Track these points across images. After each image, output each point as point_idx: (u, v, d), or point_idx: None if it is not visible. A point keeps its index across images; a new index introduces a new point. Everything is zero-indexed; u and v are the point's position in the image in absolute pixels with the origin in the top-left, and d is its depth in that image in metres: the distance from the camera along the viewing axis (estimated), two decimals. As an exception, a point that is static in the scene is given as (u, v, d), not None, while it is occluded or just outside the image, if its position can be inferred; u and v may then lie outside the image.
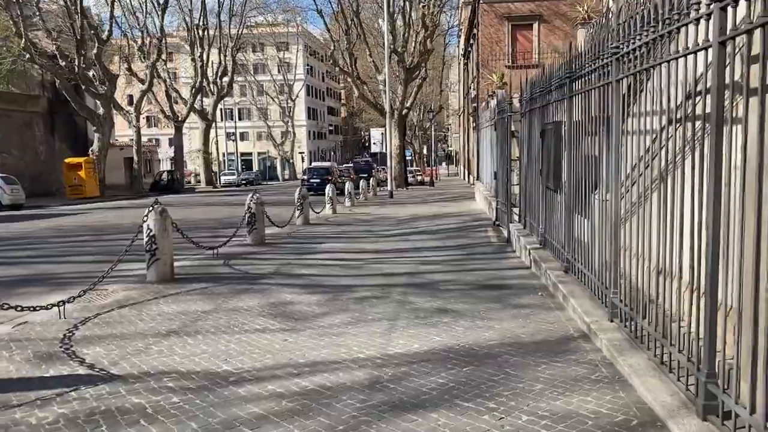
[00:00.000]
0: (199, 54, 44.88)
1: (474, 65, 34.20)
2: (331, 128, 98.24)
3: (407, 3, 36.18)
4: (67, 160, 33.34)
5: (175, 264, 8.45)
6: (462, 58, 48.03)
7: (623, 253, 5.11)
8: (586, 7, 16.17)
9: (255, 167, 74.12)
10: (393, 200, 24.92)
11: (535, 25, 30.21)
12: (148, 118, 71.30)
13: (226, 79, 48.56)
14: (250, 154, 79.42)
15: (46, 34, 32.55)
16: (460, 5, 48.72)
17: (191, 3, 45.80)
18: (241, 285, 7.65)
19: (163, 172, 44.62)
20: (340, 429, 3.48)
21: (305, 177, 33.53)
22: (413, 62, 35.46)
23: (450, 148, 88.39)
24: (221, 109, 58.64)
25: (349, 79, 39.16)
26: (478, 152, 25.25)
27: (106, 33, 34.80)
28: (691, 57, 3.59)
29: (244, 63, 65.30)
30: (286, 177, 69.70)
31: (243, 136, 76.95)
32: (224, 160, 67.04)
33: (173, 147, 47.53)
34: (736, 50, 3.28)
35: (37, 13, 32.25)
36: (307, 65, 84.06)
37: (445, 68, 64.90)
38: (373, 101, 37.98)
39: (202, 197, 33.71)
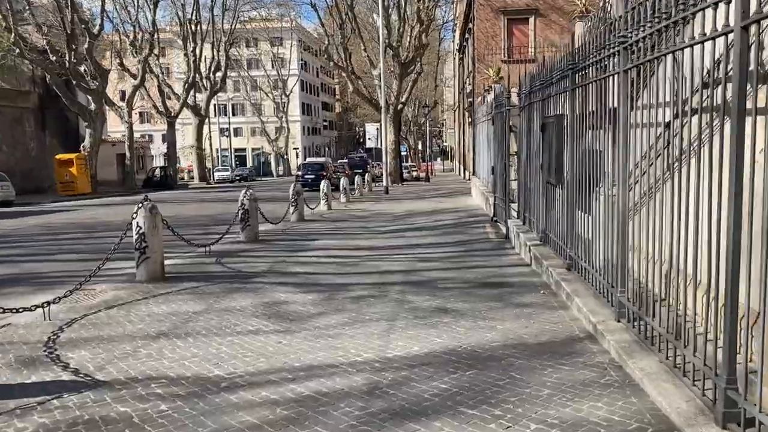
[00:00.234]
0: (191, 49, 44.47)
1: (469, 60, 33.99)
2: (325, 124, 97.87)
3: (402, -3, 35.93)
4: (58, 157, 32.98)
5: (166, 262, 8.22)
6: (457, 53, 47.80)
7: (631, 251, 4.92)
8: (584, 0, 15.95)
9: (249, 163, 73.80)
10: (388, 196, 24.70)
11: (531, 20, 29.99)
12: (140, 114, 70.81)
13: (219, 74, 48.16)
14: (244, 150, 79.04)
15: (37, 29, 32.13)
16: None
17: (184, -3, 45.39)
18: (234, 284, 7.43)
19: (156, 168, 44.28)
20: (337, 439, 3.29)
21: (300, 173, 33.28)
22: (408, 57, 35.20)
23: (445, 144, 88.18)
24: (215, 104, 58.26)
25: (343, 74, 38.90)
26: (474, 147, 25.05)
27: (97, 27, 34.41)
28: (708, 44, 3.39)
29: (237, 58, 64.89)
30: (281, 173, 69.39)
31: (237, 132, 76.53)
32: (218, 156, 66.64)
33: (166, 143, 47.12)
34: (761, 34, 3.08)
35: (27, 8, 31.83)
36: (302, 60, 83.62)
37: (440, 63, 64.57)
38: (368, 96, 37.71)
39: (195, 193, 33.40)
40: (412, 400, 3.76)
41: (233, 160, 67.24)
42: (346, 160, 48.88)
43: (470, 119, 31.90)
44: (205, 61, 47.15)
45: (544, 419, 3.44)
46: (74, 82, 33.39)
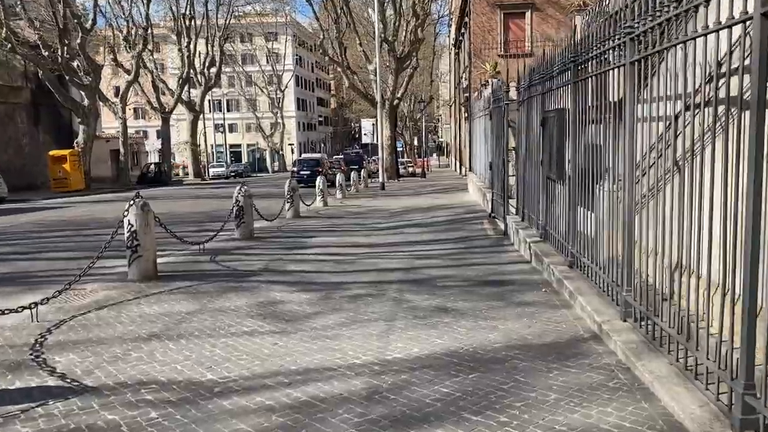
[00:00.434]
0: (186, 44, 44.11)
1: (465, 55, 33.79)
2: (320, 119, 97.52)
3: (398, -9, 35.69)
4: (51, 153, 32.65)
5: (159, 261, 8.04)
6: (453, 48, 47.57)
7: (637, 248, 4.78)
8: (581, -6, 15.78)
9: (244, 159, 73.44)
10: (385, 192, 24.53)
11: (528, 14, 29.80)
12: (135, 110, 70.34)
13: (213, 69, 47.81)
14: (239, 145, 78.68)
15: (29, 24, 31.72)
16: (451, -6, 48.22)
17: (178, -8, 44.98)
18: (229, 283, 7.26)
19: (151, 164, 43.93)
20: (336, 449, 3.13)
21: (295, 169, 33.05)
22: (404, 51, 34.98)
23: (441, 140, 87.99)
24: (209, 100, 57.88)
25: (339, 69, 38.64)
26: (471, 143, 24.88)
27: (90, 22, 33.96)
28: (724, 33, 3.23)
29: (232, 53, 64.47)
30: (276, 169, 69.07)
31: (232, 128, 76.18)
32: (213, 152, 66.30)
33: (160, 139, 46.80)
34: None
35: (19, 2, 31.42)
36: (296, 56, 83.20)
37: (436, 58, 64.35)
38: (364, 91, 37.49)
39: (190, 190, 33.15)
40: (413, 405, 3.61)
41: (228, 156, 66.87)
42: (342, 156, 48.62)
43: (466, 114, 31.73)
44: (200, 56, 46.79)
45: (552, 426, 3.30)
46: (67, 78, 33.03)
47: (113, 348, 4.82)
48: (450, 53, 53.83)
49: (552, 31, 28.05)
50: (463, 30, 36.26)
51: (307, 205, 16.55)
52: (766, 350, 2.94)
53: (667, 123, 4.25)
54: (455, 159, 48.38)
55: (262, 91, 70.28)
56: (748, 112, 2.97)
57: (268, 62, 69.86)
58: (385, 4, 34.69)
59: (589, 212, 6.14)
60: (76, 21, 32.51)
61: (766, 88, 2.88)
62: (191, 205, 20.82)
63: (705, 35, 3.39)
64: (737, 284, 3.11)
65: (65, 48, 31.79)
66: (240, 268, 8.28)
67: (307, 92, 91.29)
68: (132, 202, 7.24)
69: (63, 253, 10.45)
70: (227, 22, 48.78)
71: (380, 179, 27.41)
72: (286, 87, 72.73)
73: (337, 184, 21.53)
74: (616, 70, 5.04)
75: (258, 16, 61.09)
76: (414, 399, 3.70)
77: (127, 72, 39.20)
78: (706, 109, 3.53)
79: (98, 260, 6.95)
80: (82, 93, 34.29)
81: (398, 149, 45.16)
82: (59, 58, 31.84)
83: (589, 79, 5.86)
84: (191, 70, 44.95)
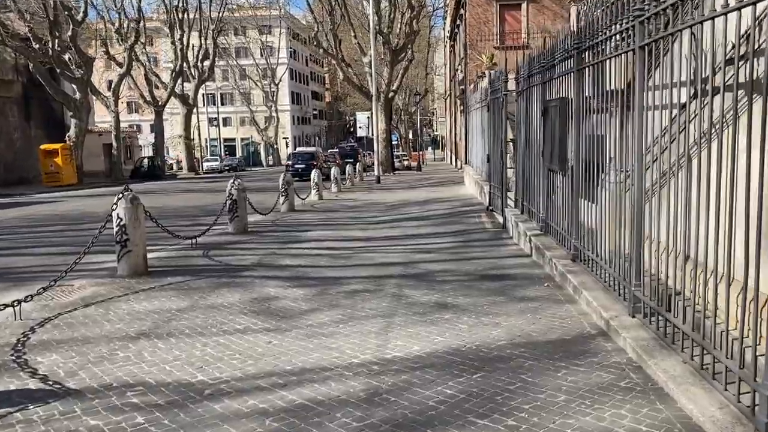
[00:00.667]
0: (179, 37, 43.64)
1: (461, 47, 33.51)
2: (315, 113, 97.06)
3: (393, -18, 35.34)
4: (42, 147, 32.26)
5: (150, 255, 7.82)
6: (448, 41, 47.27)
7: (647, 242, 4.59)
8: (579, -17, 15.56)
9: (239, 153, 73.02)
10: (380, 185, 24.32)
11: (524, 6, 29.53)
12: (128, 104, 69.81)
13: (207, 62, 47.35)
14: (234, 139, 78.22)
15: (18, 16, 31.26)
16: (446, -14, 47.88)
17: (170, -17, 44.49)
18: (221, 278, 7.04)
19: (144, 158, 43.56)
20: (334, 457, 2.93)
21: (290, 162, 32.77)
22: (399, 44, 34.66)
23: (436, 133, 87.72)
24: (203, 94, 57.44)
25: (333, 62, 38.31)
26: (467, 135, 24.68)
27: (81, 14, 33.53)
28: (747, 10, 3.03)
29: (225, 47, 63.96)
30: (271, 163, 68.70)
31: (226, 122, 75.67)
32: (207, 146, 65.85)
33: (154, 133, 46.38)
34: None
35: (8, -6, 30.99)
36: (291, 49, 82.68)
37: (431, 51, 63.97)
38: (359, 84, 37.17)
39: (183, 184, 32.85)
40: (415, 408, 3.41)
41: (222, 150, 66.45)
42: (337, 150, 48.34)
43: (462, 107, 31.48)
44: (193, 49, 46.32)
45: (563, 430, 3.10)
46: (58, 71, 32.60)
47: (99, 347, 4.60)
48: (445, 46, 53.54)
49: (548, 22, 27.81)
50: (458, 22, 35.97)
51: (302, 198, 16.33)
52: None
53: (675, 113, 4.05)
54: (451, 152, 48.17)
55: (257, 84, 69.83)
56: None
57: (262, 55, 69.38)
58: (380, -4, 34.35)
59: (593, 204, 5.95)
60: (66, 13, 32.04)
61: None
62: (185, 199, 20.56)
63: (725, 14, 3.19)
64: (762, 280, 2.92)
65: (56, 41, 31.35)
66: (233, 263, 8.07)
67: (302, 86, 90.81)
68: (121, 195, 7.01)
69: (51, 249, 10.20)
70: (221, 14, 48.32)
71: (376, 172, 27.22)
72: (281, 80, 72.27)
73: (332, 178, 21.29)
74: (623, 56, 4.83)
75: (252, 9, 60.59)
76: (416, 401, 3.50)
77: (120, 65, 38.77)
78: (717, 96, 3.33)
79: (85, 255, 6.73)
80: (74, 86, 33.86)
81: (393, 142, 44.85)
82: (50, 51, 31.41)
83: (595, 66, 5.65)
84: (184, 64, 44.50)
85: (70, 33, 31.93)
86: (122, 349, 4.58)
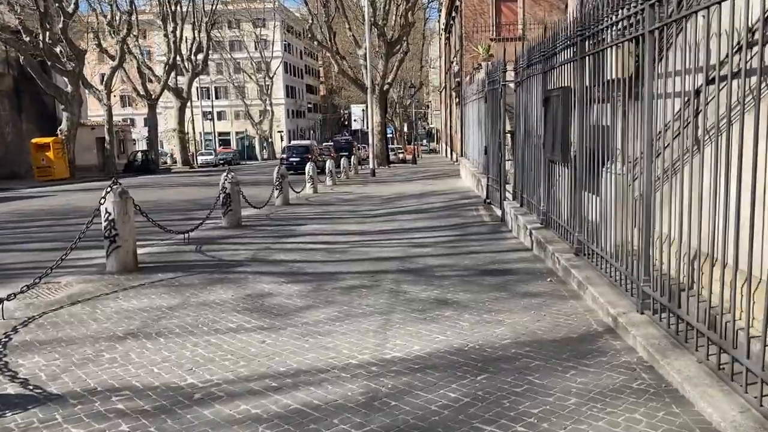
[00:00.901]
0: (171, 29, 43.19)
1: (457, 39, 33.24)
2: (310, 106, 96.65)
3: (387, -26, 34.97)
4: (34, 141, 31.87)
5: (140, 251, 7.60)
6: (443, 33, 46.96)
7: (657, 237, 4.40)
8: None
9: (233, 147, 72.59)
10: (375, 178, 24.10)
11: (520, -3, 29.29)
12: (122, 98, 69.34)
13: (201, 56, 46.90)
14: (228, 133, 77.81)
15: (8, 8, 30.82)
16: (441, -22, 47.53)
17: (162, -25, 43.97)
18: (214, 274, 6.83)
19: (138, 152, 43.16)
20: (332, 467, 2.74)
21: (284, 156, 32.49)
22: (394, 36, 34.36)
23: (431, 126, 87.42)
24: (197, 87, 56.97)
25: (328, 54, 37.98)
26: (463, 128, 24.46)
27: (72, 6, 33.03)
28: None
29: (219, 40, 63.48)
30: (265, 156, 68.33)
31: (220, 116, 75.28)
32: (201, 140, 65.43)
33: (147, 126, 45.94)
34: None
35: (-2, -15, 30.56)
36: (285, 42, 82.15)
37: (425, 44, 63.61)
38: (353, 77, 36.87)
39: (177, 178, 32.53)
40: (418, 413, 3.22)
41: (217, 143, 66.07)
42: (332, 143, 48.05)
43: (457, 100, 31.25)
44: (186, 42, 45.87)
45: (575, 437, 2.92)
46: (49, 64, 32.18)
47: (84, 349, 4.39)
48: (440, 38, 53.21)
49: (544, 14, 27.57)
50: (453, 14, 35.68)
51: (296, 192, 16.11)
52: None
53: (687, 101, 3.85)
54: (446, 145, 47.97)
55: (251, 78, 69.38)
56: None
57: (256, 49, 68.88)
58: (375, -13, 34.01)
59: (598, 197, 5.77)
60: (57, 5, 31.57)
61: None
62: (178, 193, 20.31)
63: (747, -7, 2.99)
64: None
65: (47, 33, 30.91)
66: (226, 258, 7.85)
67: (296, 79, 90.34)
68: (109, 189, 6.78)
69: (40, 244, 9.96)
70: (214, 6, 47.84)
71: (371, 166, 26.99)
72: (275, 74, 71.79)
73: (327, 171, 21.08)
74: (633, 40, 4.63)
75: (246, 1, 60.10)
76: (418, 406, 3.30)
77: (112, 58, 38.32)
78: (743, 78, 3.14)
79: (74, 251, 6.51)
80: (65, 79, 33.44)
81: (388, 135, 44.60)
82: (41, 44, 30.98)
83: (599, 53, 5.44)
84: (178, 57, 44.06)
85: (61, 25, 31.48)
86: (108, 350, 4.37)
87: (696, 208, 3.66)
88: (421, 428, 3.05)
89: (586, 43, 5.87)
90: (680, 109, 3.86)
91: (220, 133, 71.52)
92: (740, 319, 3.38)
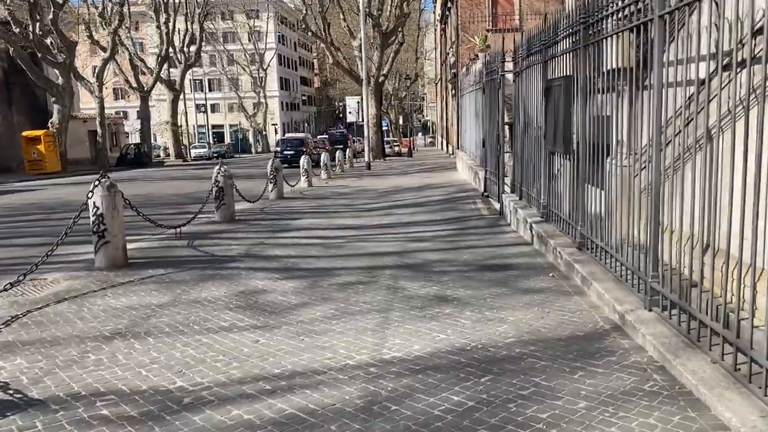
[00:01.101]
0: (164, 21, 42.76)
1: (453, 30, 32.96)
2: (304, 99, 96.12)
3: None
4: (25, 134, 31.53)
5: (131, 246, 7.41)
6: (439, 24, 46.63)
7: (666, 231, 4.23)
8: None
9: (227, 139, 72.20)
10: (371, 172, 23.89)
11: (516, -13, 29.01)
12: (115, 91, 68.77)
13: (193, 47, 46.49)
14: (222, 126, 77.32)
15: (-3, -1, 30.41)
16: (436, -31, 47.15)
17: (155, -34, 43.48)
18: (206, 270, 6.64)
19: (130, 145, 42.82)
20: (329, 479, 2.56)
21: (278, 148, 32.21)
22: (389, 27, 34.05)
23: (426, 118, 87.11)
24: (190, 80, 56.54)
25: (322, 46, 37.65)
26: (459, 120, 24.26)
27: (62, -3, 32.64)
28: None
29: (213, 31, 62.98)
30: (260, 149, 67.97)
31: (214, 108, 74.76)
32: (195, 133, 65.00)
33: (140, 119, 45.54)
34: None
35: (-13, -24, 30.08)
36: (279, 34, 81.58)
37: (420, 35, 63.23)
38: (348, 68, 36.56)
39: (170, 171, 32.23)
40: (419, 419, 3.04)
41: (211, 136, 65.63)
42: (327, 136, 47.73)
43: (453, 92, 31.00)
44: (179, 33, 45.43)
45: (588, 444, 2.75)
46: (40, 56, 31.79)
47: (69, 350, 4.20)
48: (435, 30, 52.88)
49: (541, 4, 27.34)
50: (449, 5, 35.36)
51: (291, 185, 15.90)
52: None
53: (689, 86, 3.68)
54: (442, 138, 47.74)
55: (245, 70, 68.93)
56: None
57: (249, 40, 68.43)
58: (370, -22, 33.67)
59: (600, 188, 5.60)
60: (47, -4, 31.18)
61: None
62: (171, 187, 20.05)
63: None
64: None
65: (37, 24, 30.51)
66: (219, 253, 7.66)
67: (290, 71, 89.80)
68: (97, 182, 6.57)
69: (28, 239, 9.73)
70: (207, -2, 47.40)
71: (366, 158, 26.78)
72: (269, 66, 71.36)
73: (322, 164, 20.85)
74: (641, 26, 4.44)
75: (239, -7, 59.56)
76: (419, 410, 3.13)
77: (103, 49, 37.90)
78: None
79: (62, 246, 6.32)
80: (56, 71, 33.05)
81: (384, 128, 44.33)
82: (31, 35, 30.57)
83: (605, 40, 5.26)
84: (170, 49, 43.64)
85: (51, 16, 31.07)
86: (95, 350, 4.18)
87: (711, 199, 3.49)
88: (424, 435, 2.88)
89: (590, 30, 5.69)
90: (693, 94, 3.68)
91: (213, 126, 71.02)
92: (755, 317, 3.22)
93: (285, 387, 3.48)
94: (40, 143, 30.84)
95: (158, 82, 43.68)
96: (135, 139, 51.60)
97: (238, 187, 11.00)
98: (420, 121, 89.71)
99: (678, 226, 4.11)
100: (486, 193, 12.44)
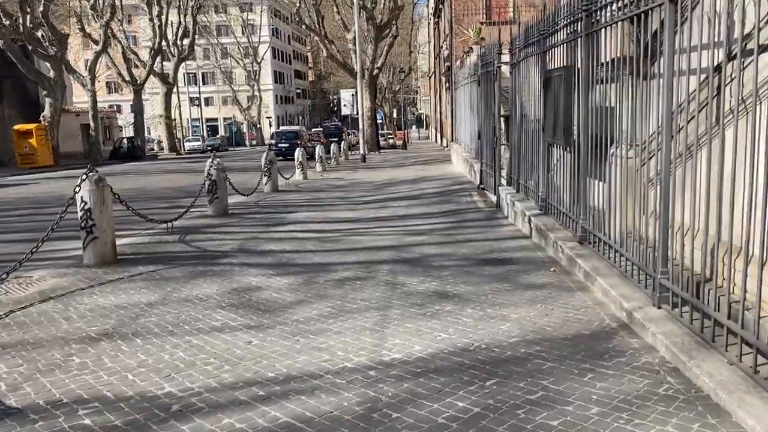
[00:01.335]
0: (156, 13, 42.27)
1: (446, 22, 32.71)
2: (298, 92, 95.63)
3: (376, -44, 34.30)
4: (16, 127, 31.12)
5: (121, 242, 7.21)
6: (432, 17, 46.34)
7: (676, 226, 4.06)
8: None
9: (221, 133, 71.73)
10: (366, 164, 23.68)
11: (511, -22, 28.74)
12: (108, 85, 68.17)
13: (187, 40, 46.02)
14: (216, 119, 76.85)
15: (-14, -9, 29.95)
16: (431, -40, 46.80)
17: (146, -42, 42.93)
18: (198, 266, 6.43)
19: (123, 138, 42.43)
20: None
21: (273, 141, 31.93)
22: (383, 20, 33.76)
23: (420, 112, 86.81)
24: (184, 73, 56.08)
25: (316, 39, 37.33)
26: (454, 113, 24.06)
27: (53, -11, 32.18)
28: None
29: (206, 24, 62.43)
30: (254, 143, 67.57)
31: (208, 102, 74.24)
32: (189, 126, 64.52)
33: (133, 112, 45.09)
34: None
35: (-24, -33, 29.60)
36: (272, 27, 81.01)
37: (414, 29, 62.86)
38: (342, 61, 36.28)
39: (164, 164, 31.92)
40: (423, 427, 2.87)
41: (205, 130, 65.19)
42: (321, 129, 47.43)
43: (447, 85, 30.77)
44: (172, 26, 44.95)
45: (603, 454, 2.58)
46: (31, 49, 31.35)
47: (52, 352, 4.00)
48: (428, 23, 52.57)
49: (536, -4, 27.11)
50: (444, -4, 35.10)
51: (285, 178, 15.68)
52: None
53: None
54: (436, 131, 47.54)
55: (238, 63, 68.42)
56: None
57: (243, 34, 67.87)
58: (364, -31, 33.32)
59: (603, 180, 5.43)
60: (37, -13, 30.73)
61: None
62: (164, 181, 19.80)
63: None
64: None
65: (27, 17, 30.07)
66: (211, 248, 7.46)
67: (284, 65, 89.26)
68: (84, 176, 6.35)
69: (17, 235, 9.51)
70: (200, -10, 46.88)
71: (361, 151, 26.56)
72: (263, 59, 70.85)
73: (316, 157, 20.62)
74: (651, 11, 4.25)
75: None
76: (423, 418, 2.95)
77: (95, 42, 37.42)
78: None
79: (50, 243, 6.11)
80: (48, 64, 32.62)
81: (378, 121, 44.08)
82: (21, 28, 30.13)
83: (609, 28, 5.07)
84: (163, 42, 43.18)
85: (42, 8, 30.63)
86: (79, 353, 3.98)
87: (727, 191, 3.32)
88: (428, 445, 2.71)
89: (592, 18, 5.50)
90: (707, 77, 3.50)
91: (207, 119, 70.56)
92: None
93: (279, 393, 3.30)
94: (31, 137, 30.46)
95: (151, 76, 43.21)
96: (129, 132, 51.15)
97: (231, 180, 10.79)
98: (414, 114, 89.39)
99: (689, 219, 3.94)
100: (482, 186, 12.27)
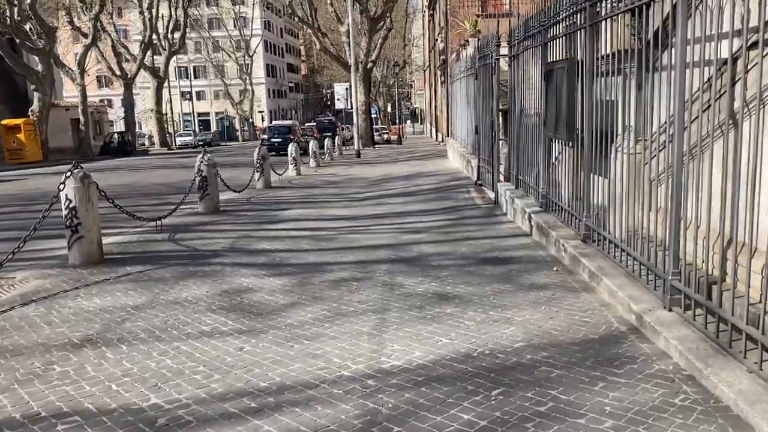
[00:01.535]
0: (147, 6, 41.80)
1: (442, 15, 32.44)
2: (291, 86, 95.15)
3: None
4: (4, 122, 30.71)
5: (107, 241, 6.98)
6: (427, 10, 46.04)
7: (686, 225, 3.88)
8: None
9: (213, 127, 71.28)
10: (361, 160, 23.46)
11: (506, -29, 28.51)
12: (98, 78, 67.51)
13: (177, 34, 45.54)
14: (208, 113, 76.36)
15: (-27, -17, 29.46)
16: (424, -47, 46.48)
17: (136, -50, 42.41)
18: (188, 267, 6.21)
19: (114, 133, 42.00)
20: None
21: (265, 136, 31.64)
22: (377, 12, 33.45)
23: (414, 106, 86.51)
24: (175, 67, 55.57)
25: (309, 31, 37.00)
26: (449, 107, 23.86)
27: (41, -19, 31.75)
28: None
29: (197, 18, 61.90)
30: (246, 137, 67.16)
31: (199, 96, 73.79)
32: (180, 121, 64.06)
33: (123, 107, 44.63)
34: None
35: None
36: (265, 19, 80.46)
37: (408, 22, 62.50)
38: (336, 55, 35.95)
39: (155, 160, 31.57)
40: (427, 443, 2.68)
41: (196, 124, 64.73)
42: (315, 123, 47.14)
43: (443, 78, 30.54)
44: (162, 19, 44.47)
45: (621, 474, 2.40)
46: (18, 42, 30.90)
47: (32, 360, 3.78)
48: (423, 15, 52.25)
49: (531, -11, 26.90)
50: (438, -11, 34.82)
51: (278, 174, 15.45)
52: None
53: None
54: (431, 125, 47.30)
55: (230, 57, 67.91)
56: None
57: (235, 27, 67.33)
58: (357, -38, 32.98)
59: (608, 176, 5.24)
60: (25, -20, 30.25)
61: None
62: (155, 176, 19.51)
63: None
64: None
65: (15, 9, 29.61)
66: (202, 247, 7.23)
67: (277, 58, 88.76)
68: (69, 173, 6.11)
69: (2, 233, 9.24)
70: (191, -17, 46.41)
71: (355, 146, 26.35)
72: (255, 52, 70.34)
73: (310, 152, 20.38)
74: (652, 2, 4.07)
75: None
76: (426, 432, 2.76)
77: (85, 36, 36.96)
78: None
79: (32, 242, 5.88)
80: (36, 58, 32.18)
81: (372, 116, 43.82)
82: (8, 21, 29.67)
83: (616, 17, 4.87)
84: (154, 35, 42.71)
85: (29, 1, 30.17)
86: (61, 361, 3.76)
87: (745, 187, 3.14)
88: (433, 465, 2.51)
89: (597, 7, 5.30)
90: (727, 61, 3.32)
91: (199, 114, 70.12)
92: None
93: (272, 404, 3.10)
94: (20, 132, 30.07)
95: (142, 70, 42.74)
96: (119, 127, 50.69)
97: (223, 176, 10.56)
98: (408, 108, 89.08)
99: (704, 217, 3.76)
100: (479, 182, 12.08)
